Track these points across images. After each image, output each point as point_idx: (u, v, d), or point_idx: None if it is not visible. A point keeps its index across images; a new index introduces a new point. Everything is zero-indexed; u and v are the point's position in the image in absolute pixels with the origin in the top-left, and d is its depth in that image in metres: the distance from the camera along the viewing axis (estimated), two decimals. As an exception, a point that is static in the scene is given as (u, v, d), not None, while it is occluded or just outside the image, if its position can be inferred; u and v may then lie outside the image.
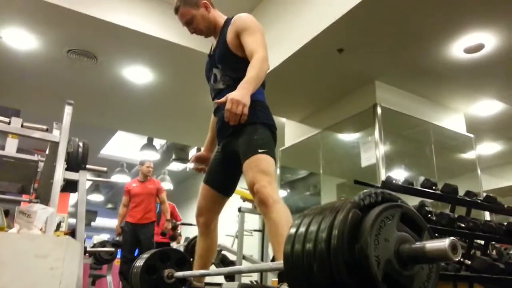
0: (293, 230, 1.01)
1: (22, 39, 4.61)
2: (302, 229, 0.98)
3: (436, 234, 2.59)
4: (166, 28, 4.65)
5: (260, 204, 1.75)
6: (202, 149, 2.42)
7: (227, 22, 2.15)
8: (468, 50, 4.18)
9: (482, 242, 3.06)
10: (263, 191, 1.73)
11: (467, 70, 4.55)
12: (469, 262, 2.65)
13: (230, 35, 2.06)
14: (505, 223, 3.07)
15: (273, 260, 1.99)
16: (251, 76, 1.83)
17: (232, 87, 1.99)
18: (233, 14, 2.18)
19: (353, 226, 0.89)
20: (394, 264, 0.88)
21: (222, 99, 1.76)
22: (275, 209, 1.71)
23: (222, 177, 2.11)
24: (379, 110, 4.59)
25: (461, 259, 2.68)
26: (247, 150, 1.85)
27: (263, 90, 2.05)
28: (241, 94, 1.74)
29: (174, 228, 6.50)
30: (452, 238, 0.82)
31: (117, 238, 5.71)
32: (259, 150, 1.82)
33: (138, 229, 5.35)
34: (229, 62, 2.06)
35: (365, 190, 0.96)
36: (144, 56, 4.99)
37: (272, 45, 4.16)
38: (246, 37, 2.00)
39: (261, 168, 1.79)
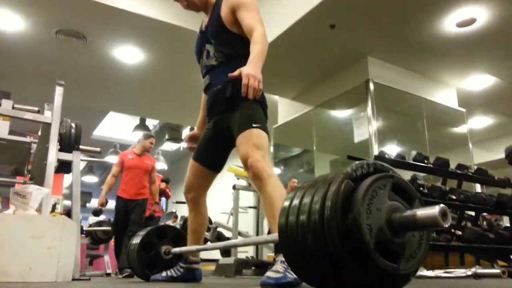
0: (287, 203, 1.03)
1: (10, 21, 4.52)
2: (296, 201, 1.00)
3: (428, 207, 2.64)
4: (156, 7, 4.58)
5: (254, 178, 1.77)
6: (195, 128, 2.42)
7: None
8: (460, 24, 4.18)
9: (473, 213, 3.13)
10: (257, 165, 1.75)
11: (459, 45, 4.56)
12: (460, 233, 2.72)
13: (224, 11, 2.04)
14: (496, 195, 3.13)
15: (268, 233, 2.02)
16: (257, 52, 1.84)
17: (224, 63, 1.98)
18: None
19: (345, 196, 0.91)
20: (385, 232, 0.91)
21: (236, 73, 1.75)
22: (270, 182, 1.72)
23: (211, 153, 2.12)
24: (371, 86, 4.60)
25: (452, 230, 2.74)
26: (241, 125, 1.86)
27: None
28: (255, 70, 1.75)
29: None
30: (442, 205, 0.85)
31: (100, 207, 5.43)
32: (253, 125, 1.83)
33: (131, 205, 4.99)
34: (223, 38, 2.05)
35: (357, 162, 0.98)
36: (134, 35, 4.93)
37: (264, 22, 4.12)
38: (242, 13, 1.98)
39: (255, 142, 1.80)
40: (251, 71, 1.73)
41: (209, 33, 2.09)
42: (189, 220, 2.17)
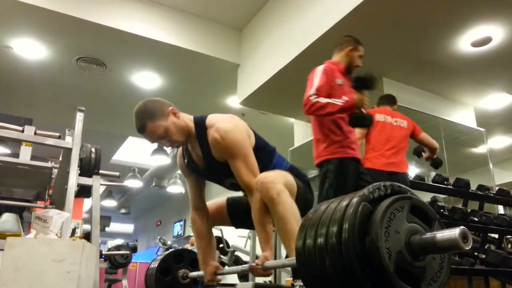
0: (304, 225, 1.02)
1: (32, 49, 4.68)
2: (313, 224, 0.99)
3: (449, 229, 2.58)
4: (174, 34, 4.68)
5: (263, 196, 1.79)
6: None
7: (199, 124, 2.00)
8: (475, 44, 4.16)
9: (496, 235, 3.04)
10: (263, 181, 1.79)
11: (475, 64, 4.53)
12: (483, 256, 2.64)
13: (216, 155, 1.92)
14: (519, 216, 3.05)
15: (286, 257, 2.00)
16: (262, 238, 1.87)
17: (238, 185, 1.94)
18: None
19: (363, 219, 0.90)
20: (405, 255, 0.89)
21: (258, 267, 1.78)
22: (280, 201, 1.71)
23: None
24: (387, 107, 4.57)
25: (475, 253, 2.67)
26: None
27: (280, 156, 2.08)
28: (267, 255, 1.79)
29: None
30: (462, 227, 0.83)
31: None
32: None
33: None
34: (225, 172, 1.95)
35: (374, 184, 0.97)
36: (152, 61, 5.03)
37: (279, 45, 4.17)
38: (232, 162, 1.88)
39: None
40: (263, 259, 1.77)
41: (206, 170, 2.03)
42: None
